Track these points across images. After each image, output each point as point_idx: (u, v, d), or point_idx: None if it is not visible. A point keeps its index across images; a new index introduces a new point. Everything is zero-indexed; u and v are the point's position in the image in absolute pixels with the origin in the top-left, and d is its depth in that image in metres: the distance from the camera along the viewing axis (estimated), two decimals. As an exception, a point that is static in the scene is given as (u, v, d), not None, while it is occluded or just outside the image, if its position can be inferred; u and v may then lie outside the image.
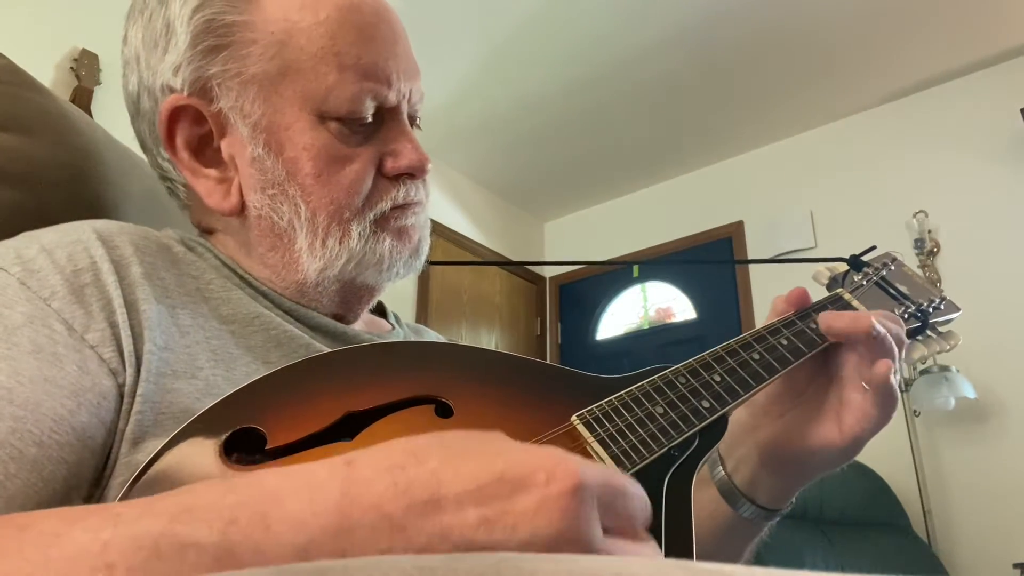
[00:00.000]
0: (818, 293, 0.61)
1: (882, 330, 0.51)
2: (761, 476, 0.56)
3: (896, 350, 0.51)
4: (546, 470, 0.27)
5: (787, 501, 0.57)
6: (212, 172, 0.52)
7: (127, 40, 0.53)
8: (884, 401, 0.51)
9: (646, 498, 0.31)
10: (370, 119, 0.50)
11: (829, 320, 0.53)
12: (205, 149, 0.52)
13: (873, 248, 0.68)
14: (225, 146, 0.51)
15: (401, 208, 0.53)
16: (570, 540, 0.27)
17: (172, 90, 0.50)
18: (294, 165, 0.49)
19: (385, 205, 0.52)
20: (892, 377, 0.50)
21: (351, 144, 0.50)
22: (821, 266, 0.66)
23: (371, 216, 0.51)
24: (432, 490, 0.27)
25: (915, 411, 2.59)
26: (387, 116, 0.52)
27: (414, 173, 0.53)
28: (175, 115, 0.50)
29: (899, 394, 0.51)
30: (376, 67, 0.50)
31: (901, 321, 0.55)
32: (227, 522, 0.26)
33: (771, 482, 0.56)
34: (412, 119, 0.56)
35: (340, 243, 0.50)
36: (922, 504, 2.50)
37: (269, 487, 0.28)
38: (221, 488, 0.28)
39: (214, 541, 0.25)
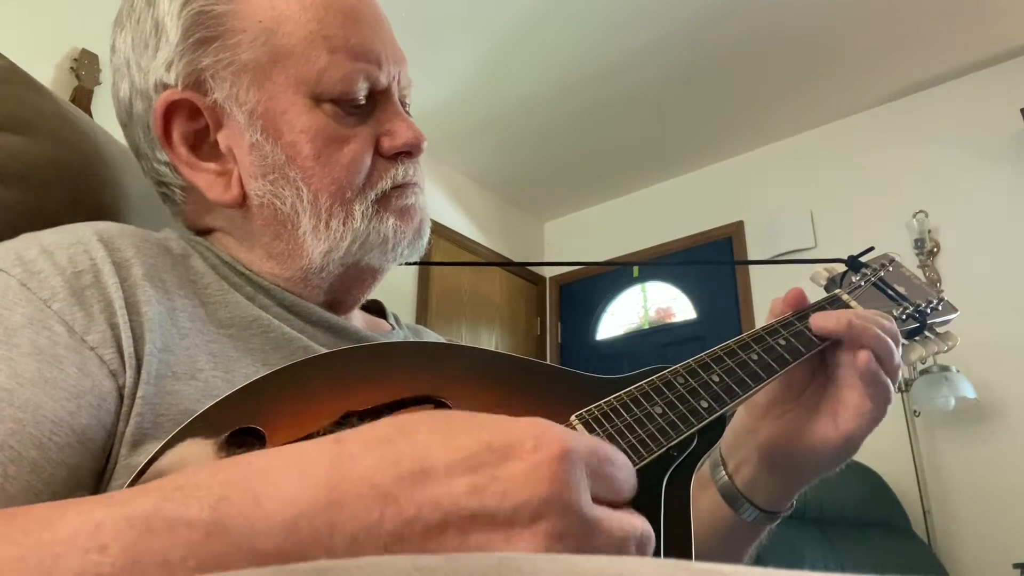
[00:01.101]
0: (816, 294, 0.61)
1: (869, 325, 0.52)
2: (760, 477, 0.56)
3: (889, 343, 0.52)
4: (533, 437, 0.28)
5: (787, 503, 0.57)
6: (211, 165, 0.52)
7: (115, 48, 0.54)
8: (876, 392, 0.51)
9: (632, 469, 0.32)
10: (363, 100, 0.51)
11: (819, 321, 0.54)
12: (202, 144, 0.52)
13: (871, 249, 0.68)
14: (222, 138, 0.51)
15: (401, 188, 0.54)
16: (558, 505, 0.27)
17: (166, 86, 0.50)
18: (293, 148, 0.50)
19: (385, 184, 0.53)
20: (873, 364, 0.50)
21: (347, 125, 0.51)
22: (819, 267, 0.66)
23: (372, 196, 0.52)
24: (421, 461, 0.27)
25: (915, 411, 2.59)
26: (379, 98, 0.53)
27: (411, 151, 0.54)
28: (171, 111, 0.51)
29: (892, 388, 0.52)
30: (365, 48, 0.51)
31: (891, 318, 0.55)
32: (217, 499, 0.26)
33: (770, 483, 0.56)
34: (403, 104, 0.56)
35: (344, 224, 0.51)
36: (922, 504, 2.50)
37: (258, 465, 0.28)
38: (211, 468, 0.28)
39: (205, 517, 0.25)
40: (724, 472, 0.57)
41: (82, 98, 2.03)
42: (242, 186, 0.51)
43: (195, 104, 0.50)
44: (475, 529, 0.26)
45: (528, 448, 0.28)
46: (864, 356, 0.50)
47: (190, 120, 0.51)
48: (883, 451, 2.48)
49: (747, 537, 0.58)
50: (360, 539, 0.25)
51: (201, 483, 0.27)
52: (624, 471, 0.31)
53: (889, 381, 0.51)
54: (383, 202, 0.53)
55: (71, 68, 2.07)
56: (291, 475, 0.27)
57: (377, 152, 0.53)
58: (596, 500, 0.29)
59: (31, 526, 0.26)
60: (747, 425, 0.57)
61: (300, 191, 0.50)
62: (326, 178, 0.50)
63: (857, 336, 0.51)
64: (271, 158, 0.50)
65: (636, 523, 0.30)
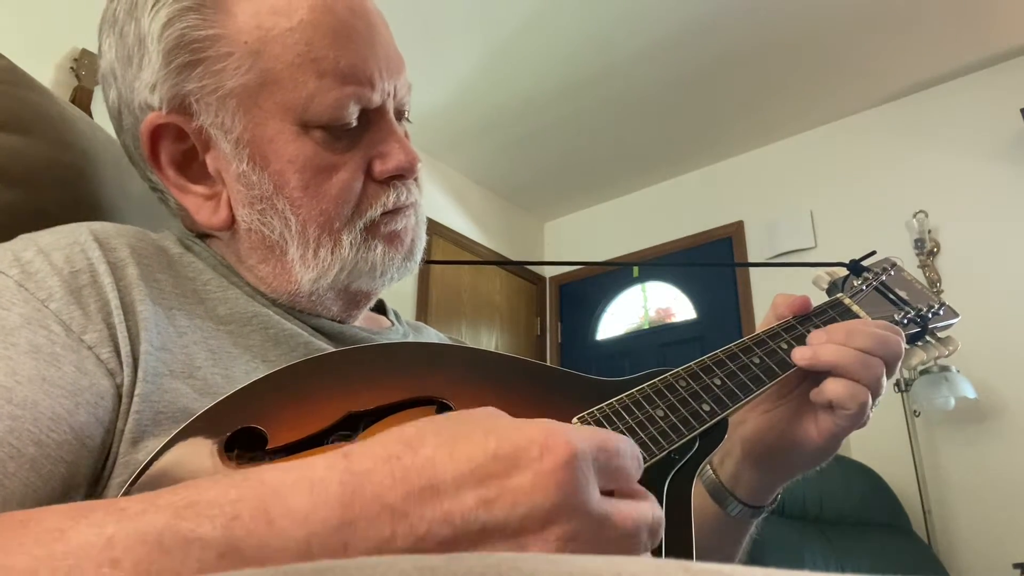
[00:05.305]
0: (818, 298, 0.61)
1: (832, 359, 0.51)
2: (743, 469, 0.56)
3: (861, 366, 0.50)
4: (538, 443, 0.28)
5: (769, 497, 0.57)
6: (199, 188, 0.51)
7: (102, 53, 0.52)
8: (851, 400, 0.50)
9: (638, 452, 0.32)
10: (355, 123, 0.49)
11: (797, 355, 0.53)
12: (191, 164, 0.51)
13: (873, 253, 0.68)
14: (210, 160, 0.50)
15: (392, 213, 0.52)
16: (567, 508, 0.27)
17: (151, 108, 0.48)
18: (280, 178, 0.48)
19: (375, 212, 0.51)
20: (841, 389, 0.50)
21: (337, 151, 0.49)
22: (821, 271, 0.66)
23: (361, 224, 0.50)
24: (429, 476, 0.27)
25: (915, 411, 2.59)
26: (372, 117, 0.50)
27: (403, 174, 0.52)
28: (157, 133, 0.49)
29: (869, 398, 0.51)
30: (356, 69, 0.48)
31: (900, 330, 0.55)
32: (230, 517, 0.26)
33: (752, 476, 0.56)
34: (400, 113, 0.54)
35: (332, 253, 0.50)
36: (922, 504, 2.50)
37: (270, 482, 0.28)
38: (223, 484, 0.28)
39: (218, 536, 0.25)
40: (709, 467, 0.58)
41: (82, 98, 2.03)
42: (231, 209, 0.50)
43: (181, 127, 0.49)
44: (487, 541, 0.27)
45: (534, 455, 0.28)
46: (830, 388, 0.50)
47: (177, 141, 0.50)
48: (883, 451, 2.48)
49: (733, 534, 0.58)
50: None
51: (213, 501, 0.27)
52: (632, 460, 0.31)
53: (867, 392, 0.50)
54: (372, 229, 0.51)
55: (71, 68, 2.07)
56: (302, 493, 0.27)
57: (369, 175, 0.51)
58: (606, 491, 0.29)
59: (43, 537, 0.26)
60: (734, 417, 0.58)
61: (288, 221, 0.49)
62: (314, 209, 0.49)
63: (834, 367, 0.51)
64: (258, 188, 0.49)
65: (645, 511, 0.30)
